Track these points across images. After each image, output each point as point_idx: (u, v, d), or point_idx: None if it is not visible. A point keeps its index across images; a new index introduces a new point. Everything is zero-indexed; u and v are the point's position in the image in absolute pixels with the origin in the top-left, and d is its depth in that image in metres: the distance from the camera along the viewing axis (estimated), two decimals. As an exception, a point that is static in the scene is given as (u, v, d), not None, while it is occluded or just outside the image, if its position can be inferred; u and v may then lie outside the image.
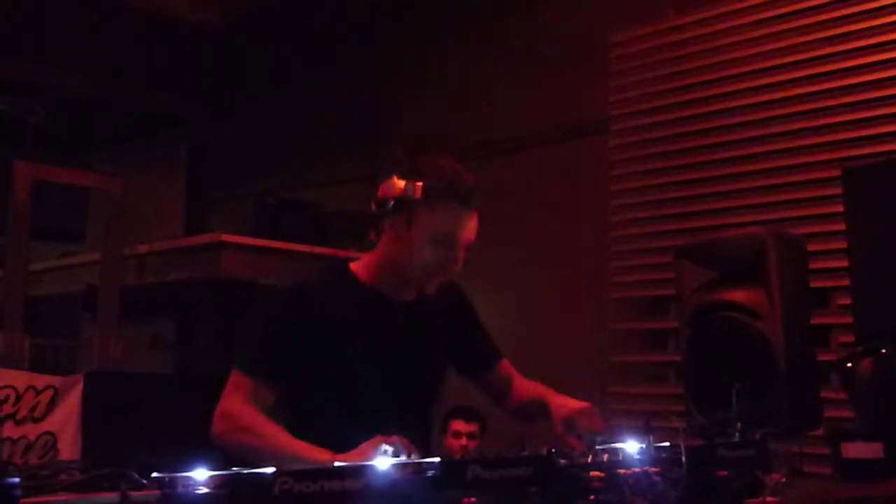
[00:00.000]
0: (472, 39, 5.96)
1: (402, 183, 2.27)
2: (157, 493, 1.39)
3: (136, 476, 1.44)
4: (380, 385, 2.35)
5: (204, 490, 1.41)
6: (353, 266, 2.46)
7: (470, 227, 2.33)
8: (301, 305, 2.34)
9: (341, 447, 2.05)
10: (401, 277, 2.39)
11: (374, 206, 2.33)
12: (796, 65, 4.39)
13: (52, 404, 4.26)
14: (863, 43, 4.19)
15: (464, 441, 4.55)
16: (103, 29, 7.17)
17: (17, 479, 1.33)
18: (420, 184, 2.27)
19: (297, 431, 2.22)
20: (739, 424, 2.19)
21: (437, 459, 1.63)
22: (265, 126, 7.35)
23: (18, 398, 4.19)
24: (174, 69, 7.70)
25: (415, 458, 1.91)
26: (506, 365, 2.64)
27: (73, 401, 4.30)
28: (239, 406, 2.24)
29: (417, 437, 2.29)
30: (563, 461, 1.77)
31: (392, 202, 2.28)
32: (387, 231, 2.38)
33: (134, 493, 1.38)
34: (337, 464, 1.79)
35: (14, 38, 6.64)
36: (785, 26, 4.44)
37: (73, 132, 8.59)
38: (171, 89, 7.79)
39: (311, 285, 2.41)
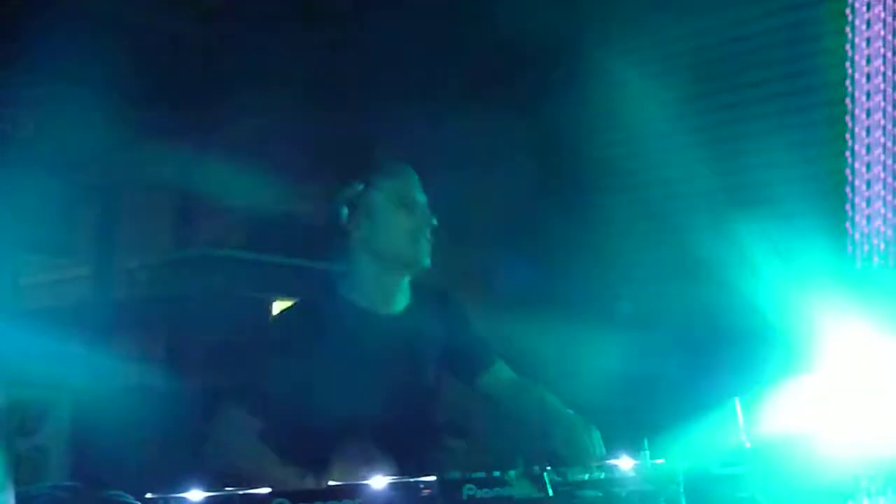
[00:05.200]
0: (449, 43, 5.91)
1: (354, 185, 2.49)
2: (152, 514, 1.38)
3: (131, 498, 1.43)
4: (370, 402, 2.35)
5: (199, 511, 1.40)
6: (340, 285, 2.51)
7: (418, 184, 2.54)
8: (288, 334, 2.41)
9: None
10: (391, 272, 2.47)
11: (341, 220, 2.49)
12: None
13: (41, 419, 4.23)
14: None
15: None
16: (87, 41, 7.12)
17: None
18: (362, 174, 2.51)
19: (289, 455, 2.26)
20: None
21: (433, 478, 1.63)
22: (257, 138, 7.29)
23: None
24: (160, 79, 7.65)
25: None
26: (502, 368, 2.64)
27: (62, 415, 4.27)
28: (231, 434, 2.31)
29: (413, 456, 2.31)
30: (558, 479, 1.76)
31: (355, 198, 2.47)
32: (357, 237, 2.49)
33: (129, 516, 1.37)
34: (331, 483, 1.79)
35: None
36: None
37: (58, 146, 8.53)
38: (159, 99, 7.74)
39: (296, 313, 2.50)
